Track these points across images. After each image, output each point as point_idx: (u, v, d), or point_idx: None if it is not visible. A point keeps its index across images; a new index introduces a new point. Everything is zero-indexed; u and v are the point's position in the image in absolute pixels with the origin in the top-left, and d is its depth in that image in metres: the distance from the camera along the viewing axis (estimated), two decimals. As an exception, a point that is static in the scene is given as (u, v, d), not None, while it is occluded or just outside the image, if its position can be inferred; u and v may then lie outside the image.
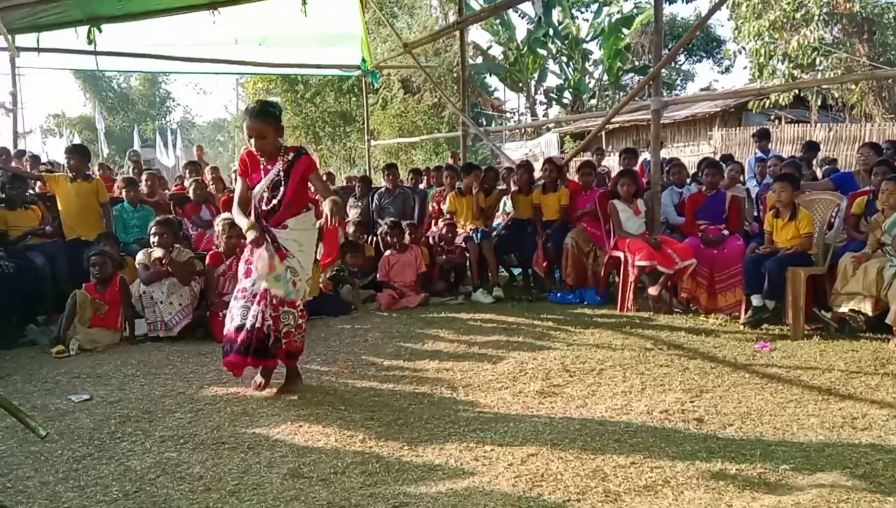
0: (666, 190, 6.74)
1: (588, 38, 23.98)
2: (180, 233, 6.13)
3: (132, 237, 6.65)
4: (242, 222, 3.83)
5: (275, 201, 3.77)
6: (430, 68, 19.19)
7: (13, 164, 7.81)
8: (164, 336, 5.36)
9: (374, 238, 7.46)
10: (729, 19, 17.65)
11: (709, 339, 4.97)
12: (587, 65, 24.72)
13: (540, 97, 26.03)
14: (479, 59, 24.74)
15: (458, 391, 3.94)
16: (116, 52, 9.27)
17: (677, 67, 30.24)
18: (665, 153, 11.01)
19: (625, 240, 6.11)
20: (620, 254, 6.09)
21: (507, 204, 8.13)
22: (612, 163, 13.11)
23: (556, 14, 23.39)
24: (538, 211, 7.09)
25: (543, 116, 25.60)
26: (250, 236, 3.74)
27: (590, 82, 24.82)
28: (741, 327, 5.30)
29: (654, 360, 4.43)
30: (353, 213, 7.90)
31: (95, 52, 8.68)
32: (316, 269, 6.17)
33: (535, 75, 24.85)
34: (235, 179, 4.81)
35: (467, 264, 7.15)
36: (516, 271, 7.80)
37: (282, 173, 3.76)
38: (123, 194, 6.96)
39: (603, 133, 17.51)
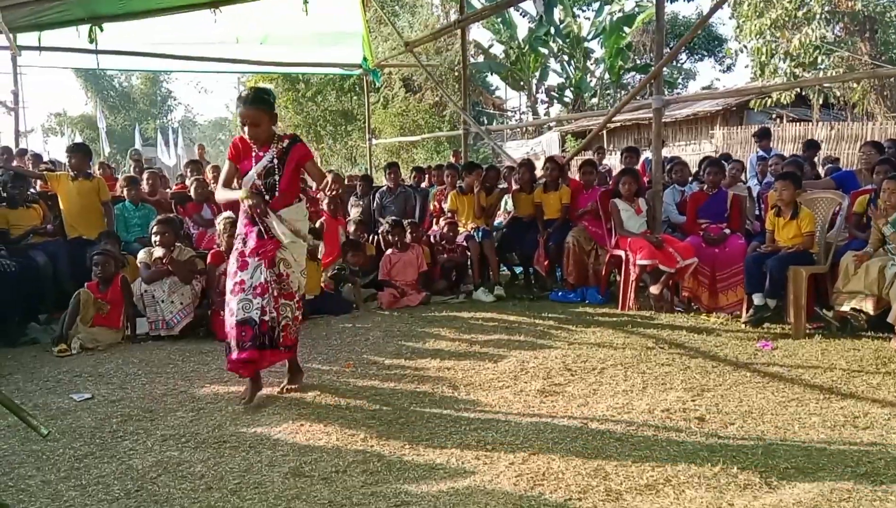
0: (668, 188, 6.74)
1: (589, 37, 23.98)
2: (181, 232, 6.12)
3: (133, 236, 6.66)
4: (234, 194, 3.70)
5: (269, 190, 3.69)
6: (432, 67, 19.19)
7: (15, 163, 7.81)
8: (165, 335, 5.37)
9: (376, 237, 7.46)
10: (730, 18, 17.59)
11: (710, 338, 4.97)
12: (588, 63, 24.72)
13: (541, 96, 26.04)
14: (481, 58, 24.75)
15: (460, 390, 3.94)
16: (118, 51, 9.29)
17: (679, 65, 30.20)
18: (666, 152, 11.00)
19: (626, 239, 6.10)
20: (622, 253, 6.09)
21: (508, 203, 8.13)
22: (614, 162, 13.11)
23: (558, 12, 23.39)
24: (539, 210, 7.08)
25: (545, 114, 25.62)
26: (248, 201, 3.61)
27: (591, 81, 24.82)
28: (742, 325, 5.29)
29: (656, 359, 4.43)
30: (354, 212, 7.89)
31: (96, 51, 8.70)
32: (317, 268, 6.18)
33: (537, 74, 24.86)
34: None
35: (468, 262, 7.14)
36: (517, 269, 7.80)
37: (275, 161, 3.68)
38: (125, 192, 6.97)
39: (604, 132, 17.50)
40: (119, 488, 2.77)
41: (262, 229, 3.69)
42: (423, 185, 9.36)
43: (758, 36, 15.22)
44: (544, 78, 25.53)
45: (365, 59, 10.85)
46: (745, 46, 16.42)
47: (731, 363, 4.33)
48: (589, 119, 19.46)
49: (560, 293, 6.66)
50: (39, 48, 8.54)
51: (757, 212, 7.00)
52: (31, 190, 6.70)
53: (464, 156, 9.79)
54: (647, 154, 9.40)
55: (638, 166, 8.24)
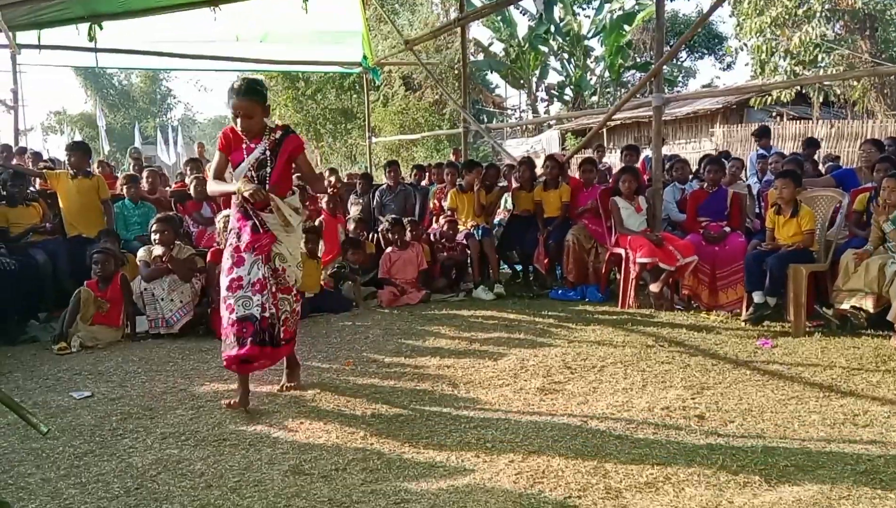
0: (668, 186, 6.74)
1: (589, 35, 23.99)
2: (181, 230, 6.13)
3: (133, 234, 6.66)
4: (228, 187, 3.61)
5: (261, 181, 3.59)
6: (432, 65, 19.19)
7: (14, 161, 7.81)
8: (165, 333, 5.37)
9: (376, 235, 7.46)
10: (731, 16, 17.63)
11: (710, 336, 4.97)
12: (588, 61, 24.74)
13: (541, 94, 26.05)
14: (481, 56, 24.75)
15: (459, 388, 3.94)
16: (117, 49, 9.28)
17: (679, 63, 30.20)
18: (667, 150, 11.00)
19: (626, 237, 6.10)
20: (622, 251, 6.09)
21: (507, 201, 8.13)
22: (614, 160, 13.10)
23: (558, 11, 23.40)
24: (539, 208, 7.08)
25: (545, 112, 25.63)
26: (247, 190, 3.48)
27: (591, 79, 24.83)
28: (742, 323, 5.29)
29: (656, 357, 4.43)
30: (354, 210, 7.89)
31: (96, 49, 8.69)
32: (317, 266, 6.18)
33: (537, 72, 24.87)
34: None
35: (468, 261, 7.15)
36: (517, 267, 7.80)
37: (268, 152, 3.59)
38: (125, 190, 6.97)
39: (604, 130, 17.50)
40: (119, 486, 2.77)
41: (258, 223, 3.61)
42: (424, 183, 9.36)
43: (758, 34, 15.23)
44: (544, 76, 25.55)
45: (365, 57, 10.84)
46: (746, 44, 16.45)
47: (730, 361, 4.33)
48: (589, 117, 19.47)
49: (560, 291, 6.66)
50: (39, 46, 8.54)
51: (757, 210, 7.00)
52: (31, 188, 6.69)
53: (464, 154, 9.78)
54: (647, 152, 9.39)
55: (638, 164, 8.24)
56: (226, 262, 3.67)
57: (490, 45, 25.55)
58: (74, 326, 5.13)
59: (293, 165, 3.76)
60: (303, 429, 3.34)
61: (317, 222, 6.46)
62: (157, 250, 5.53)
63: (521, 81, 25.10)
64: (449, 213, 7.37)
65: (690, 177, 7.06)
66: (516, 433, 3.19)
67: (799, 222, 5.24)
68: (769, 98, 15.48)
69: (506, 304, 6.38)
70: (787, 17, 14.75)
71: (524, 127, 23.72)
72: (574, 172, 8.24)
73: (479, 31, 26.41)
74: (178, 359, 4.74)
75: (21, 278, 5.43)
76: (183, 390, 4.03)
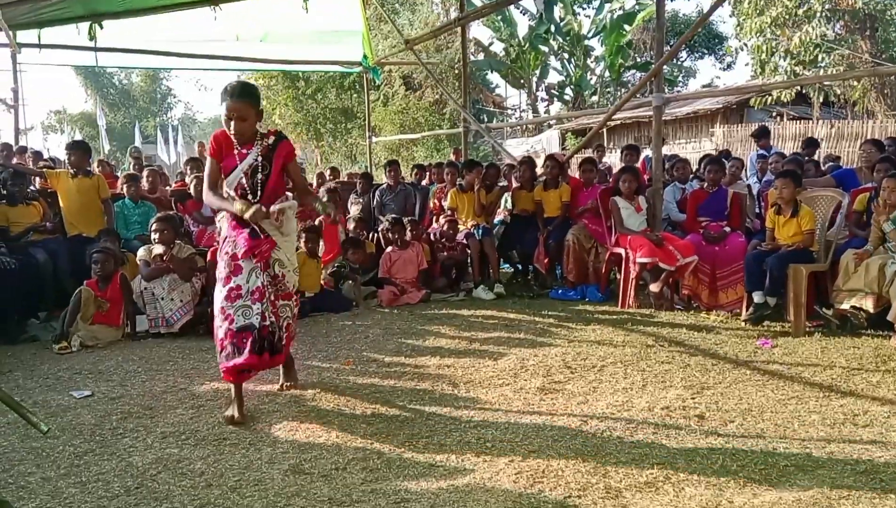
0: (669, 186, 6.74)
1: (590, 35, 24.00)
2: (181, 229, 6.13)
3: (133, 234, 6.66)
4: (229, 206, 3.50)
5: (257, 190, 3.50)
6: (432, 65, 19.19)
7: (15, 160, 7.81)
8: (165, 333, 5.37)
9: (376, 235, 7.46)
10: (731, 16, 17.62)
11: (710, 336, 4.97)
12: (589, 61, 24.75)
13: (541, 94, 26.06)
14: (481, 56, 24.77)
15: (460, 387, 3.94)
16: (117, 49, 9.27)
17: (679, 63, 30.20)
18: (667, 150, 11.00)
19: (626, 237, 6.10)
20: (622, 251, 6.09)
21: (507, 201, 8.13)
22: (614, 160, 13.10)
23: (558, 10, 23.40)
24: (540, 208, 7.08)
25: (545, 112, 25.63)
26: (248, 213, 3.38)
27: (591, 79, 24.83)
28: (742, 323, 5.29)
29: (656, 357, 4.43)
30: (354, 209, 7.89)
31: (96, 49, 8.69)
32: (317, 265, 6.19)
33: (537, 72, 24.87)
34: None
35: (468, 260, 7.15)
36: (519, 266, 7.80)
37: (261, 159, 3.50)
38: (125, 190, 6.97)
39: (604, 130, 17.50)
40: (119, 485, 2.77)
41: (256, 229, 3.52)
42: (424, 182, 9.36)
43: (758, 34, 15.24)
44: (544, 76, 25.55)
45: (365, 56, 10.84)
46: (746, 44, 16.46)
47: (730, 360, 4.33)
48: (589, 117, 19.47)
49: (560, 291, 6.66)
50: (39, 45, 8.53)
51: (757, 210, 7.00)
52: (31, 187, 6.69)
53: (464, 154, 9.78)
54: (647, 152, 9.40)
55: (638, 164, 8.24)
56: (221, 271, 3.55)
57: (490, 44, 25.59)
58: (75, 325, 5.13)
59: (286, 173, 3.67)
60: (303, 429, 3.34)
61: (317, 222, 6.46)
62: (158, 250, 5.53)
63: (522, 81, 25.11)
64: (449, 212, 7.37)
65: (691, 177, 7.06)
66: (516, 433, 3.19)
67: (799, 222, 5.24)
68: (769, 98, 15.48)
69: (506, 304, 6.38)
70: (787, 17, 14.75)
71: (524, 127, 23.71)
72: (574, 171, 8.24)
73: (479, 30, 26.49)
74: (178, 358, 4.74)
75: (21, 278, 5.43)
76: (183, 389, 4.03)
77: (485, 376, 4.12)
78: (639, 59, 24.40)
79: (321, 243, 6.29)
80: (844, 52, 15.31)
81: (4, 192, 6.14)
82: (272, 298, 3.55)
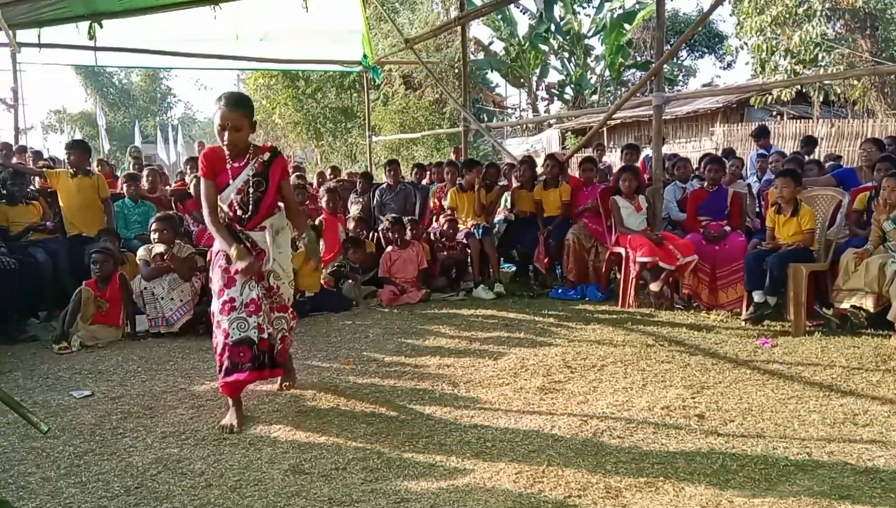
0: (669, 185, 6.74)
1: (590, 34, 24.00)
2: (181, 229, 6.13)
3: (133, 233, 6.66)
4: (229, 248, 3.39)
5: (250, 206, 3.45)
6: (432, 64, 19.16)
7: (14, 159, 7.81)
8: (165, 332, 5.37)
9: (376, 234, 7.46)
10: (731, 15, 17.61)
11: (710, 335, 4.97)
12: (589, 60, 24.74)
13: (541, 93, 26.06)
14: (481, 55, 24.76)
15: (459, 387, 3.94)
16: (117, 48, 9.27)
17: (679, 62, 30.18)
18: (667, 149, 11.00)
19: (626, 236, 6.10)
20: (622, 250, 6.09)
21: (507, 200, 8.12)
22: (614, 159, 13.10)
23: (558, 10, 23.40)
24: (540, 207, 7.08)
25: (545, 111, 25.63)
26: (240, 264, 3.32)
27: (591, 78, 24.83)
28: (742, 323, 5.29)
29: (656, 356, 4.43)
30: (354, 209, 7.89)
31: (96, 48, 8.69)
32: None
33: (537, 71, 24.87)
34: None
35: (468, 260, 7.14)
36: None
37: (256, 176, 3.43)
38: (125, 189, 6.96)
39: (604, 129, 17.49)
40: (119, 485, 2.77)
41: (248, 245, 3.48)
42: (424, 182, 9.35)
43: (758, 33, 15.23)
44: (544, 75, 25.55)
45: (365, 56, 10.84)
46: (746, 43, 16.46)
47: (730, 360, 4.33)
48: (589, 116, 19.47)
49: (560, 291, 6.66)
50: (39, 45, 8.53)
51: (757, 209, 6.99)
52: (31, 187, 6.69)
53: (464, 153, 9.78)
54: (647, 151, 9.40)
55: (638, 164, 8.24)
56: (216, 283, 3.49)
57: (490, 43, 25.57)
58: (74, 325, 5.13)
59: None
60: (303, 428, 3.34)
61: (317, 222, 6.46)
62: (158, 249, 5.53)
63: (522, 80, 25.10)
64: (449, 212, 7.37)
65: (691, 176, 7.06)
66: (516, 433, 3.19)
67: (799, 222, 5.24)
68: (769, 97, 15.47)
69: (506, 303, 6.38)
70: (787, 15, 14.75)
71: (524, 126, 23.71)
72: (574, 171, 8.24)
73: (479, 29, 26.49)
74: (178, 358, 4.74)
75: (21, 278, 5.43)
76: (183, 389, 4.03)
77: (485, 375, 4.12)
78: (639, 59, 24.41)
79: (321, 242, 6.29)
80: (845, 51, 15.31)
81: (4, 191, 6.14)
82: (267, 309, 3.50)
